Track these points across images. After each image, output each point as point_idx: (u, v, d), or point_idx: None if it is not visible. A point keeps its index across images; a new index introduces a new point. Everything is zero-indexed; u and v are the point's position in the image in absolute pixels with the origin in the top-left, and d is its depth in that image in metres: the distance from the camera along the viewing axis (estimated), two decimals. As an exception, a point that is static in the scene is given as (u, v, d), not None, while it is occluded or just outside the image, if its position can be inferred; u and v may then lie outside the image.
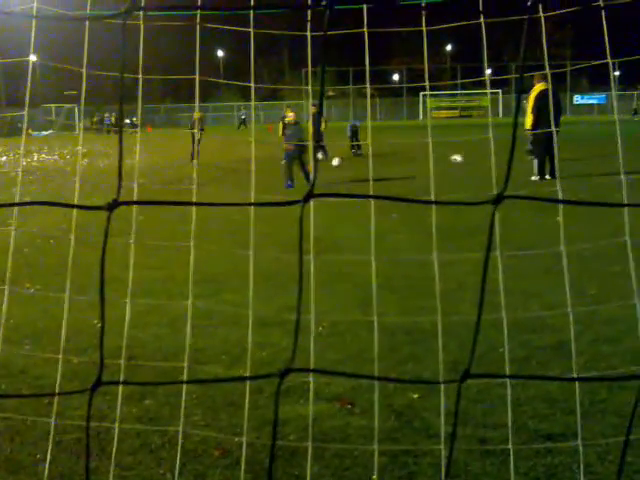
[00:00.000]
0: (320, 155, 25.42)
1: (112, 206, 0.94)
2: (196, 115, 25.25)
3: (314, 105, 19.14)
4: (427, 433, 4.29)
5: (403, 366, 5.33)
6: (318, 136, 25.17)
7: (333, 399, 4.78)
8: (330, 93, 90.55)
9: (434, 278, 3.65)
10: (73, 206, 0.98)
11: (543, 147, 16.71)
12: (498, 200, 0.96)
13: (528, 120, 16.86)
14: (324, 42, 0.95)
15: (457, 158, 21.96)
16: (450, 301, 6.65)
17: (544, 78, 16.57)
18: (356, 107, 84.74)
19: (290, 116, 19.15)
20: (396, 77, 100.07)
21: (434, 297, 4.63)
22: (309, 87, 3.77)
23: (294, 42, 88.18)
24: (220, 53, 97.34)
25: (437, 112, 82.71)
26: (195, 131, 23.28)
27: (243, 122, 69.79)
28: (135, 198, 5.48)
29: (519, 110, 1.12)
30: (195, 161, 24.82)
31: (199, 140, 22.52)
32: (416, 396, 4.77)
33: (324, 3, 0.93)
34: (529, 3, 0.93)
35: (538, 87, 16.80)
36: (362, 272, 7.70)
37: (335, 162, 22.84)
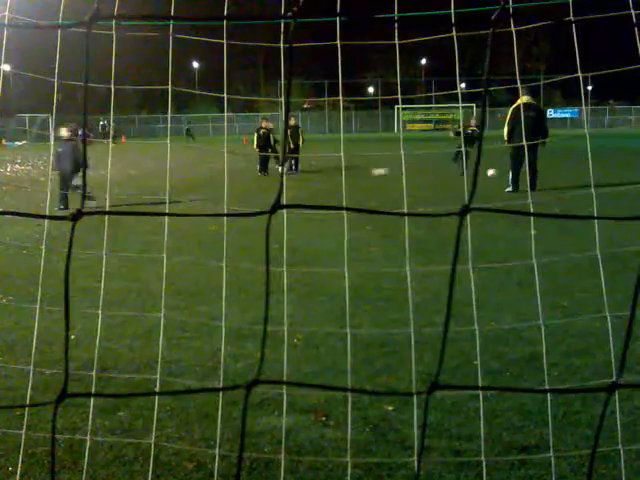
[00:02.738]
0: (286, 168, 25.35)
1: (76, 216, 0.94)
2: (292, 122, 25.86)
3: (293, 117, 18.95)
4: (402, 445, 4.28)
5: (378, 378, 5.33)
6: (294, 149, 25.20)
7: (308, 411, 4.77)
8: (305, 105, 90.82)
9: (408, 290, 3.67)
10: (37, 216, 0.98)
11: (517, 159, 16.98)
12: (464, 212, 0.97)
13: (504, 132, 17.19)
14: (290, 53, 0.95)
15: (491, 172, 20.76)
16: (425, 313, 6.67)
17: (527, 92, 16.88)
18: (331, 119, 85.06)
19: (62, 131, 16.06)
20: (371, 90, 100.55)
21: (409, 309, 4.65)
22: (282, 99, 3.77)
23: (270, 54, 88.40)
24: (195, 64, 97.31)
25: (411, 125, 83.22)
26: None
27: (188, 132, 64.05)
28: (107, 209, 5.43)
29: (485, 124, 1.13)
30: (281, 168, 25.23)
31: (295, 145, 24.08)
32: (391, 408, 4.76)
33: (290, 14, 0.93)
34: (493, 17, 0.94)
35: (518, 101, 17.05)
36: (337, 284, 7.70)
37: (490, 172, 20.31)
